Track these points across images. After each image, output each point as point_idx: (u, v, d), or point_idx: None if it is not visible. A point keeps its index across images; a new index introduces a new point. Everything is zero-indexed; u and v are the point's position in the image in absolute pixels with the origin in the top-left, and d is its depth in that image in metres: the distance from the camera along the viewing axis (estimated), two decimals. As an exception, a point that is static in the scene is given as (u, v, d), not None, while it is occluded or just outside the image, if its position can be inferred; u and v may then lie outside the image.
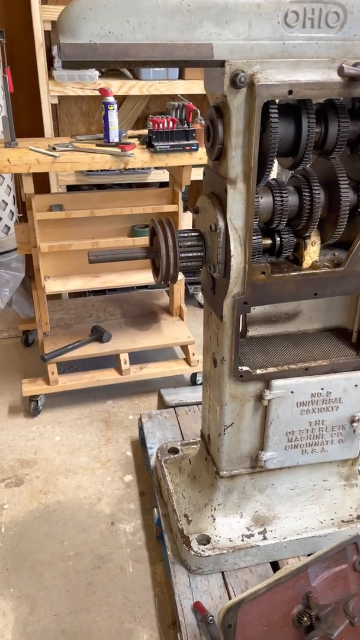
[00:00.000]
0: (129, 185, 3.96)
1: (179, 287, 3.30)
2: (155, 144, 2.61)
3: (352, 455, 1.99)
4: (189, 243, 1.64)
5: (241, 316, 1.74)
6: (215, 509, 1.96)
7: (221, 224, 1.55)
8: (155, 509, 2.18)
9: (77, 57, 1.27)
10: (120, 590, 2.01)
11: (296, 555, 1.95)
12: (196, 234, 1.66)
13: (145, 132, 2.87)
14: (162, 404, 2.87)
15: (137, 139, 2.86)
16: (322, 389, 1.83)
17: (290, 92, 1.40)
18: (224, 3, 1.32)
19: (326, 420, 1.89)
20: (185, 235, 1.66)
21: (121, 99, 3.88)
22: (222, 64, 1.37)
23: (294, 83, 1.39)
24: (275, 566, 1.94)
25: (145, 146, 2.73)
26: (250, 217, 1.54)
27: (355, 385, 1.86)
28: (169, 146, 2.60)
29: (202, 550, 1.87)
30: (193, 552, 1.87)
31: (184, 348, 3.19)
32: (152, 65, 1.40)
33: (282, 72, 1.40)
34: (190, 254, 1.64)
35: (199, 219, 1.73)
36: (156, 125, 2.61)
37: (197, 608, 1.75)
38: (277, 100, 1.45)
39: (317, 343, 1.95)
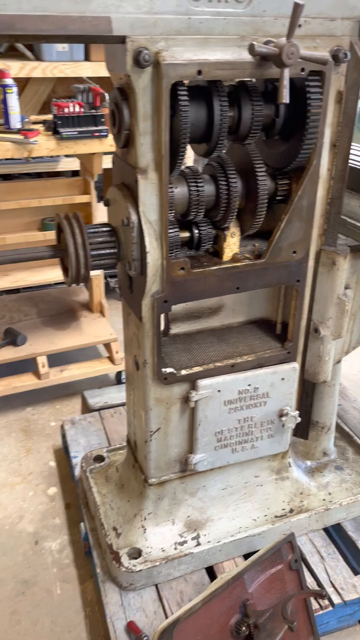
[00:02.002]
0: (39, 175, 3.72)
1: (98, 281, 3.13)
2: (61, 130, 2.43)
3: (283, 449, 1.95)
4: (100, 239, 1.50)
5: (162, 314, 1.63)
6: (145, 519, 1.86)
7: (134, 217, 1.42)
8: (82, 523, 2.04)
9: None
10: (47, 615, 1.87)
11: (232, 557, 1.89)
12: (108, 228, 1.53)
13: (50, 117, 2.66)
14: (86, 408, 2.71)
15: (42, 125, 2.66)
16: (249, 385, 1.77)
17: (199, 73, 1.28)
18: (121, -30, 1.18)
19: (255, 416, 1.83)
20: (96, 230, 1.51)
21: (24, 82, 3.61)
22: (122, 40, 1.24)
23: (203, 62, 1.28)
24: (210, 572, 1.86)
25: (51, 133, 2.53)
26: (165, 209, 1.42)
27: (282, 379, 1.81)
28: (76, 132, 2.43)
29: (134, 565, 1.76)
30: (124, 569, 1.75)
31: (107, 346, 3.05)
32: (43, 40, 1.24)
33: (190, 50, 1.29)
34: (103, 251, 1.50)
35: (110, 212, 1.59)
36: (61, 109, 2.42)
37: (131, 628, 1.64)
38: (185, 82, 1.33)
39: (242, 337, 1.88)
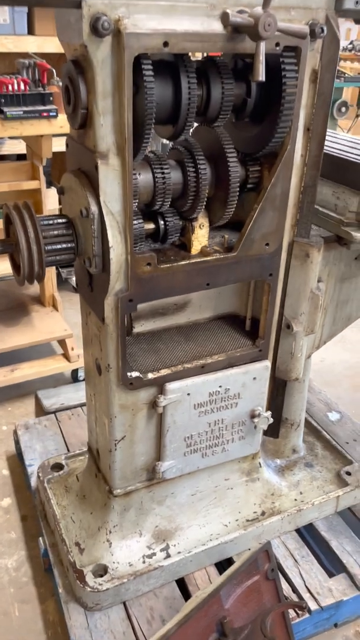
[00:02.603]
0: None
1: (50, 273, 2.94)
2: (5, 109, 2.22)
3: (254, 450, 1.86)
4: (55, 232, 1.34)
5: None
6: (110, 532, 1.73)
7: (94, 208, 1.26)
8: (40, 538, 1.88)
9: None
10: (6, 642, 1.72)
11: (203, 567, 1.80)
12: (64, 220, 1.36)
13: (-8, 95, 2.43)
14: (41, 410, 2.53)
15: (-16, 104, 2.42)
16: (220, 386, 1.66)
17: (165, 44, 1.14)
18: None
19: (226, 418, 1.72)
20: (51, 222, 1.35)
21: None
22: (78, 4, 1.07)
23: (170, 33, 1.14)
24: (181, 583, 1.76)
25: (-6, 112, 2.31)
26: (129, 199, 1.27)
27: (254, 378, 1.71)
28: (22, 112, 2.22)
29: (99, 584, 1.63)
30: (89, 588, 1.62)
31: (62, 342, 2.87)
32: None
33: (154, 18, 1.14)
34: (59, 246, 1.34)
35: (65, 202, 1.43)
36: (4, 86, 2.20)
37: (100, 654, 1.52)
38: (149, 55, 1.18)
39: (210, 335, 1.76)
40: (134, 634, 1.60)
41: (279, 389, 1.88)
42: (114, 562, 1.70)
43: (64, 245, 1.34)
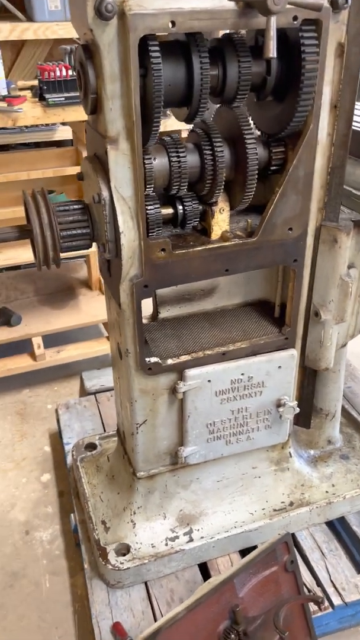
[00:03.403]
0: (37, 145, 3.54)
1: (96, 257, 2.99)
2: (47, 96, 2.26)
3: (282, 439, 1.82)
4: (70, 218, 1.36)
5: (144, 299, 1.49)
6: (135, 513, 1.76)
7: (105, 193, 1.27)
8: (72, 514, 1.96)
9: None
10: (35, 610, 1.80)
11: (226, 554, 1.79)
12: (79, 206, 1.38)
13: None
14: (84, 390, 2.61)
15: (29, 91, 2.49)
16: (242, 374, 1.63)
17: (172, 24, 1.11)
18: None
19: (250, 407, 1.70)
20: (66, 209, 1.37)
21: (20, 45, 3.41)
22: (81, -14, 1.06)
23: (176, 11, 1.10)
24: (203, 568, 1.77)
25: (37, 99, 2.36)
26: (140, 184, 1.27)
27: (279, 367, 1.66)
28: (63, 98, 2.26)
29: (121, 563, 1.67)
30: (111, 566, 1.67)
31: (107, 325, 2.93)
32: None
33: (162, -3, 1.11)
34: (74, 232, 1.36)
35: (84, 188, 1.44)
36: (46, 73, 2.24)
37: (117, 630, 1.56)
38: (157, 35, 1.15)
39: (236, 321, 1.73)
40: (152, 613, 1.63)
41: (310, 378, 1.83)
42: (136, 543, 1.73)
43: (80, 231, 1.36)
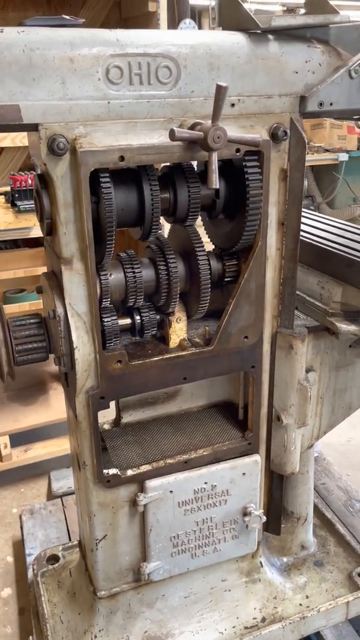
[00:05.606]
0: (14, 243, 3.65)
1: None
2: (19, 203, 2.36)
3: (250, 549, 1.75)
4: (26, 332, 1.37)
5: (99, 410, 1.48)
6: (96, 637, 1.64)
7: (60, 310, 1.29)
8: (30, 637, 1.81)
9: None
10: None
11: None
12: (36, 320, 1.40)
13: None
14: (50, 493, 2.52)
15: (3, 197, 2.59)
16: (205, 483, 1.59)
17: (122, 159, 1.19)
18: (28, 58, 1.10)
19: (215, 517, 1.64)
20: (23, 323, 1.39)
21: (-1, 151, 3.60)
22: (35, 127, 1.15)
23: (125, 148, 1.19)
24: None
25: (10, 205, 2.46)
26: (95, 300, 1.30)
27: (243, 474, 1.63)
28: (33, 204, 2.34)
29: None
30: None
31: (76, 421, 2.88)
32: None
33: (112, 135, 1.20)
34: (30, 346, 1.37)
35: (43, 300, 1.47)
36: (17, 183, 2.35)
37: None
38: (109, 167, 1.23)
39: (200, 424, 1.72)
40: None
41: (277, 482, 1.79)
42: (97, 672, 1.60)
43: (36, 345, 1.37)
